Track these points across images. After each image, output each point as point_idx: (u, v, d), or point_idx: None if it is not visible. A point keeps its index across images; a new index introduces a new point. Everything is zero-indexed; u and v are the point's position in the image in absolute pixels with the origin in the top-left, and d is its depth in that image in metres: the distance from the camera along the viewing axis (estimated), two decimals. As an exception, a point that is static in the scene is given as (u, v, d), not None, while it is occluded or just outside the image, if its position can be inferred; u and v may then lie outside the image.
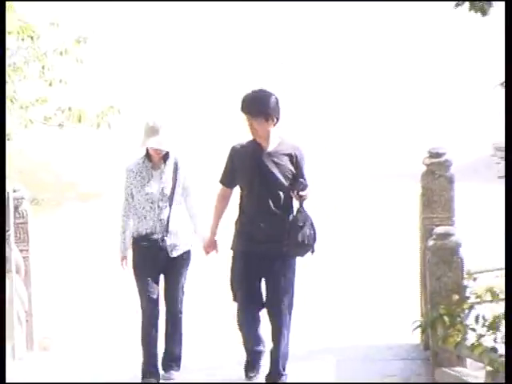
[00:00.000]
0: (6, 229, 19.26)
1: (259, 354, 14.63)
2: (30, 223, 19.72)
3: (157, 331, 14.88)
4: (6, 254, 18.97)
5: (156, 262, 14.48)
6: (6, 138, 21.91)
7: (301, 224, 14.06)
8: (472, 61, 17.61)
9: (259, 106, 13.93)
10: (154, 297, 14.71)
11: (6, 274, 18.52)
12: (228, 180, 14.20)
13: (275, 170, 14.04)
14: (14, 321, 18.87)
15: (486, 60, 17.15)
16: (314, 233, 14.22)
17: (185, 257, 14.56)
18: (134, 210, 14.64)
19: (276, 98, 14.42)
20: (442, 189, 18.52)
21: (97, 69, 29.52)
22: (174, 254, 14.43)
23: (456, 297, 15.71)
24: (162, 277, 15.10)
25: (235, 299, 14.32)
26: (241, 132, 16.30)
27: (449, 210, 18.36)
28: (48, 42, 23.44)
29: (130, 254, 15.13)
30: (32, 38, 22.70)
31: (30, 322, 19.24)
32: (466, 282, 16.31)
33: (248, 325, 14.45)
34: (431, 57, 32.50)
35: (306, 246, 14.16)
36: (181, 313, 14.85)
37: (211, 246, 14.48)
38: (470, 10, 14.60)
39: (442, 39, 23.07)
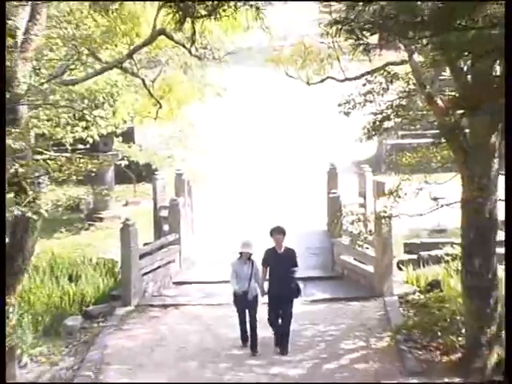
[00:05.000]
0: (178, 193, 17.18)
1: (277, 334, 12.31)
2: (192, 189, 18.22)
3: (247, 327, 12.34)
4: (186, 201, 17.35)
5: (244, 300, 12.22)
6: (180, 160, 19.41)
7: (297, 288, 12.29)
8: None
9: (284, 230, 12.29)
10: (243, 314, 12.31)
11: (182, 201, 16.64)
12: (264, 264, 12.24)
13: (285, 261, 12.18)
14: (188, 225, 17.35)
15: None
16: (299, 288, 12.41)
17: (256, 298, 12.35)
18: (237, 280, 12.27)
19: None
20: (333, 177, 17.64)
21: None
22: (250, 297, 12.22)
23: (338, 214, 15.33)
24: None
25: (269, 314, 12.34)
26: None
27: (336, 184, 17.37)
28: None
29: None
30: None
31: (193, 225, 17.85)
32: (343, 212, 15.18)
33: (274, 324, 12.31)
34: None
35: (299, 294, 12.43)
36: (256, 318, 12.28)
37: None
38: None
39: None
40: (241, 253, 12.32)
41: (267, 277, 12.34)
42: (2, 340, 8.52)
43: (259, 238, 13.21)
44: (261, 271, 12.31)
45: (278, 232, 12.23)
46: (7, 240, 10.89)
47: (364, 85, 13.25)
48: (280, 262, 12.10)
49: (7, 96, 10.06)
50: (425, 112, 12.83)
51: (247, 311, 12.29)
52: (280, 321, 12.22)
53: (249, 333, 12.36)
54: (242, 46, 20.74)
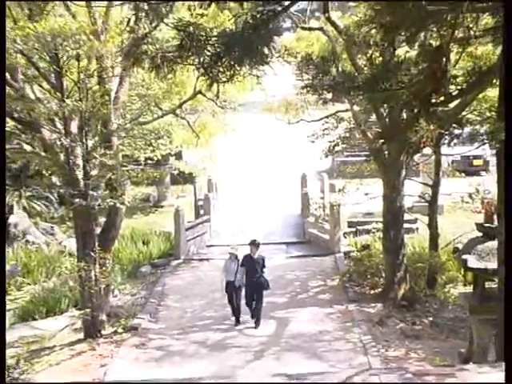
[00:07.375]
0: (209, 191, 16.13)
1: (252, 313, 10.53)
2: (218, 188, 17.46)
3: (234, 303, 10.53)
4: (214, 195, 16.37)
5: (233, 288, 10.41)
6: (211, 171, 16.72)
7: (267, 282, 10.47)
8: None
9: (257, 243, 10.52)
10: (232, 298, 10.49)
11: (211, 195, 15.62)
12: (243, 266, 10.35)
13: (257, 263, 10.38)
14: (216, 210, 16.25)
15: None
16: (268, 283, 10.53)
17: (241, 286, 10.40)
18: (226, 273, 10.44)
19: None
20: (304, 181, 16.64)
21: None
22: (237, 285, 10.34)
23: (307, 203, 15.10)
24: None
25: (246, 299, 10.47)
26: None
27: (306, 185, 16.50)
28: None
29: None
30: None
31: (217, 209, 16.60)
32: (310, 202, 15.18)
33: (250, 305, 10.50)
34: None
35: (268, 287, 10.52)
36: (240, 299, 10.56)
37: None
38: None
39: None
40: (230, 253, 10.79)
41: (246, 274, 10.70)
42: (2, 340, 5.10)
43: (258, 218, 12.98)
44: (240, 270, 10.62)
45: (254, 246, 10.62)
46: (105, 219, 10.72)
47: (323, 124, 13.13)
48: (254, 264, 10.53)
49: (104, 131, 10.09)
50: (360, 141, 12.68)
51: (234, 295, 10.64)
52: (254, 305, 10.60)
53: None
54: (248, 100, 20.45)
